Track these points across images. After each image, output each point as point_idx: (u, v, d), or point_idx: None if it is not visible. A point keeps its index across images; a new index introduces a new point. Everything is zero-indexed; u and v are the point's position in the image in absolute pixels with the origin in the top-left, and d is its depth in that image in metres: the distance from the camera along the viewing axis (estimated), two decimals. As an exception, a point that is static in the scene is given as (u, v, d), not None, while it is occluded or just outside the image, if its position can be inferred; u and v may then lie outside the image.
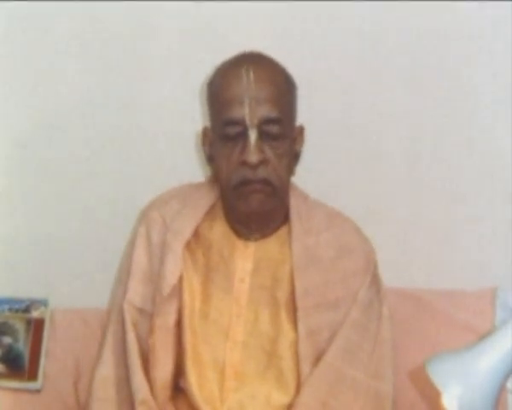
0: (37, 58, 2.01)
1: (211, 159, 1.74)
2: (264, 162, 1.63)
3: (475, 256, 2.04)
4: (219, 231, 1.74)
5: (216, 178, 1.74)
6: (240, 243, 1.73)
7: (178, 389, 1.70)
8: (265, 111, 1.62)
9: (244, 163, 1.62)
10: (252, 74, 1.62)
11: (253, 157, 1.61)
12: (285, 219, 1.75)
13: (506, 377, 1.47)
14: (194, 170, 2.00)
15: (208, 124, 1.75)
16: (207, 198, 1.76)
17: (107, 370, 1.71)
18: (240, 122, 1.62)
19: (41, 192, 2.09)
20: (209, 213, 1.75)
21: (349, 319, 1.68)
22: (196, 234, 1.74)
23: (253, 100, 1.61)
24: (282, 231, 1.74)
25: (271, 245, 1.73)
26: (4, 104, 2.03)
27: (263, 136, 1.62)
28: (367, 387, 1.66)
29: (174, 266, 1.69)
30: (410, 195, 2.06)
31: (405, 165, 2.05)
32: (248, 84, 1.62)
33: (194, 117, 1.98)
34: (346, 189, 2.05)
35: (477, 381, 1.45)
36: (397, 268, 2.02)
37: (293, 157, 1.72)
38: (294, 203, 1.74)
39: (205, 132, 1.75)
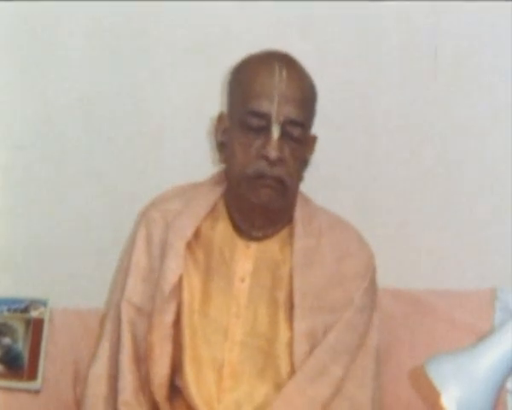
0: (37, 58, 2.00)
1: (222, 145, 1.74)
2: (282, 160, 1.64)
3: (475, 257, 2.04)
4: (221, 230, 1.75)
5: (226, 165, 1.73)
6: (241, 243, 1.73)
7: (176, 388, 1.70)
8: (292, 112, 1.64)
9: (264, 157, 1.63)
10: (285, 72, 1.64)
11: (274, 153, 1.62)
12: (288, 220, 1.75)
13: (505, 378, 1.47)
14: (196, 170, 1.99)
15: (224, 110, 1.74)
16: (209, 197, 1.76)
17: (101, 367, 1.72)
18: (265, 116, 1.63)
19: (40, 192, 2.09)
20: (211, 213, 1.75)
21: (343, 319, 1.69)
22: (198, 233, 1.74)
23: (283, 98, 1.63)
24: (284, 232, 1.75)
25: (272, 246, 1.74)
26: (4, 105, 2.02)
27: (284, 135, 1.64)
28: (346, 388, 1.67)
29: (175, 265, 1.69)
30: (409, 195, 2.06)
31: (405, 165, 2.05)
32: (280, 81, 1.63)
33: (198, 117, 1.98)
34: (345, 188, 2.05)
35: (476, 381, 1.45)
36: (396, 269, 2.02)
37: (304, 164, 1.73)
38: (298, 206, 1.75)
39: (220, 118, 1.75)
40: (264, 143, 1.63)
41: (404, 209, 2.07)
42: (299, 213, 1.74)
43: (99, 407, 1.69)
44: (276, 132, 1.63)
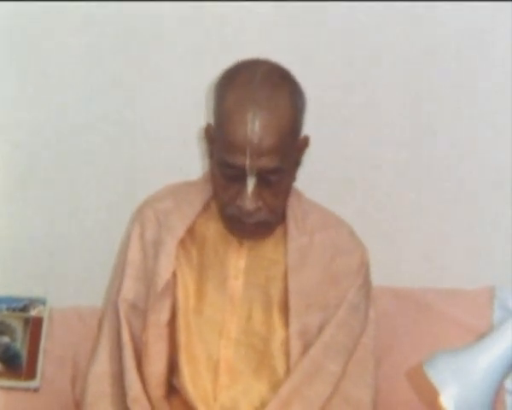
0: (36, 57, 2.00)
1: (211, 155, 1.71)
2: (259, 208, 1.62)
3: (474, 255, 2.04)
4: (214, 228, 1.74)
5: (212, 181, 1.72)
6: (234, 241, 1.73)
7: (173, 387, 1.71)
8: (266, 162, 1.57)
9: (239, 207, 1.61)
10: (257, 124, 1.55)
11: (248, 206, 1.60)
12: (281, 219, 1.73)
13: (504, 377, 1.47)
14: (191, 170, 2.00)
15: (211, 120, 1.71)
16: (202, 196, 1.75)
17: (102, 365, 1.72)
18: (239, 168, 1.58)
19: (39, 192, 2.09)
20: (204, 211, 1.75)
21: (336, 317, 1.69)
22: (191, 231, 1.74)
23: (255, 151, 1.56)
24: (277, 230, 1.73)
25: (266, 244, 1.73)
26: (4, 104, 2.02)
27: (261, 180, 1.60)
28: (344, 387, 1.67)
29: (167, 262, 1.69)
30: (408, 193, 2.06)
31: (404, 163, 2.05)
32: (252, 134, 1.55)
33: (194, 116, 1.98)
34: (344, 186, 2.06)
35: (475, 380, 1.45)
36: (395, 267, 2.03)
37: (295, 167, 1.69)
38: (290, 204, 1.73)
39: (207, 130, 1.71)
40: (240, 192, 1.60)
41: (403, 208, 2.07)
42: (291, 210, 1.73)
43: (105, 405, 1.69)
44: (250, 185, 1.59)
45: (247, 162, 1.57)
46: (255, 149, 1.56)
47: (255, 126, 1.56)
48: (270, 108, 1.57)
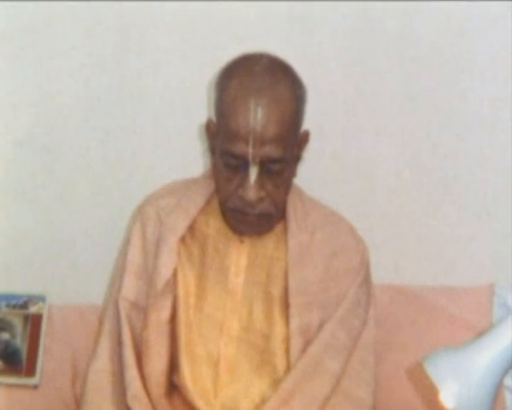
0: (36, 55, 2.00)
1: (213, 151, 1.72)
2: (262, 198, 1.63)
3: (473, 253, 2.04)
4: (215, 226, 1.74)
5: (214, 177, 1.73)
6: (235, 239, 1.73)
7: (173, 385, 1.71)
8: (269, 151, 1.58)
9: (242, 198, 1.62)
10: (259, 112, 1.57)
11: (251, 196, 1.60)
12: (282, 216, 1.74)
13: (503, 374, 1.46)
14: (192, 167, 2.00)
15: (212, 116, 1.72)
16: (203, 193, 1.76)
17: (102, 363, 1.72)
18: (242, 157, 1.59)
19: (39, 189, 2.09)
20: (205, 208, 1.75)
21: (337, 314, 1.69)
22: (192, 229, 1.74)
23: (258, 139, 1.57)
24: (278, 228, 1.74)
25: (266, 241, 1.73)
26: (3, 103, 2.02)
27: (264, 170, 1.60)
28: (344, 384, 1.67)
29: (168, 260, 1.69)
30: (408, 192, 2.06)
31: (404, 162, 2.05)
32: (255, 122, 1.56)
33: (195, 114, 1.98)
34: (344, 184, 2.06)
35: (475, 378, 1.44)
36: (394, 265, 2.03)
37: (296, 162, 1.70)
38: (291, 201, 1.74)
39: (208, 125, 1.72)
40: (242, 183, 1.61)
41: (403, 206, 2.07)
42: (291, 208, 1.73)
43: (105, 403, 1.69)
44: (253, 174, 1.59)
45: (250, 151, 1.57)
46: (258, 137, 1.57)
47: (258, 115, 1.57)
48: (272, 97, 1.58)
